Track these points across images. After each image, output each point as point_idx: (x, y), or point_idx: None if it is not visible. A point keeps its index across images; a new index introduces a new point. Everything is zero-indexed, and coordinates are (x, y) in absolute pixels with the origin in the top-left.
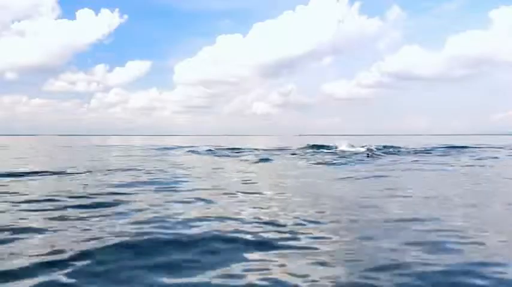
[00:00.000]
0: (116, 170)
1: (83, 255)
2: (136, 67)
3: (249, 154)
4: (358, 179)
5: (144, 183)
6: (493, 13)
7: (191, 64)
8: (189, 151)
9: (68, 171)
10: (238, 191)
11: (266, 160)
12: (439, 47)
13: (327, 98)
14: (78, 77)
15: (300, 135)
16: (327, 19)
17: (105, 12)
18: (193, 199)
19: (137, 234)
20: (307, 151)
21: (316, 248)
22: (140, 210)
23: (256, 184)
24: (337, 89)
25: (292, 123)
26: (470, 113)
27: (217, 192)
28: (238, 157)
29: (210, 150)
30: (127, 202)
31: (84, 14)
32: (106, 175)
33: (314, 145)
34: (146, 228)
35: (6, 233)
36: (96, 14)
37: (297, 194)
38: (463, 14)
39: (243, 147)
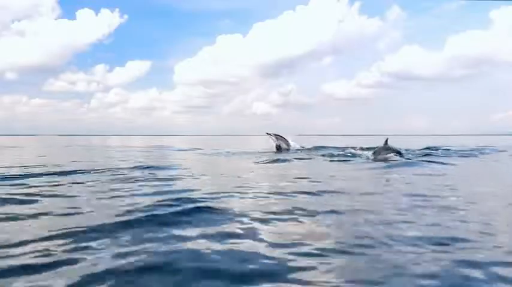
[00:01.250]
0: (151, 167)
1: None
2: (136, 67)
3: (258, 155)
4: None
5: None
6: (493, 13)
7: (191, 64)
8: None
9: (97, 168)
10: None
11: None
12: (439, 47)
13: (327, 98)
14: (78, 77)
15: (299, 135)
16: (327, 19)
17: (105, 12)
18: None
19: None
20: (315, 152)
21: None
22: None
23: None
24: (337, 89)
25: (292, 123)
26: (470, 113)
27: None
28: (250, 158)
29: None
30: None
31: (84, 14)
32: (151, 172)
33: (322, 146)
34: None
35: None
36: (96, 14)
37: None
38: (463, 14)
39: (246, 148)
